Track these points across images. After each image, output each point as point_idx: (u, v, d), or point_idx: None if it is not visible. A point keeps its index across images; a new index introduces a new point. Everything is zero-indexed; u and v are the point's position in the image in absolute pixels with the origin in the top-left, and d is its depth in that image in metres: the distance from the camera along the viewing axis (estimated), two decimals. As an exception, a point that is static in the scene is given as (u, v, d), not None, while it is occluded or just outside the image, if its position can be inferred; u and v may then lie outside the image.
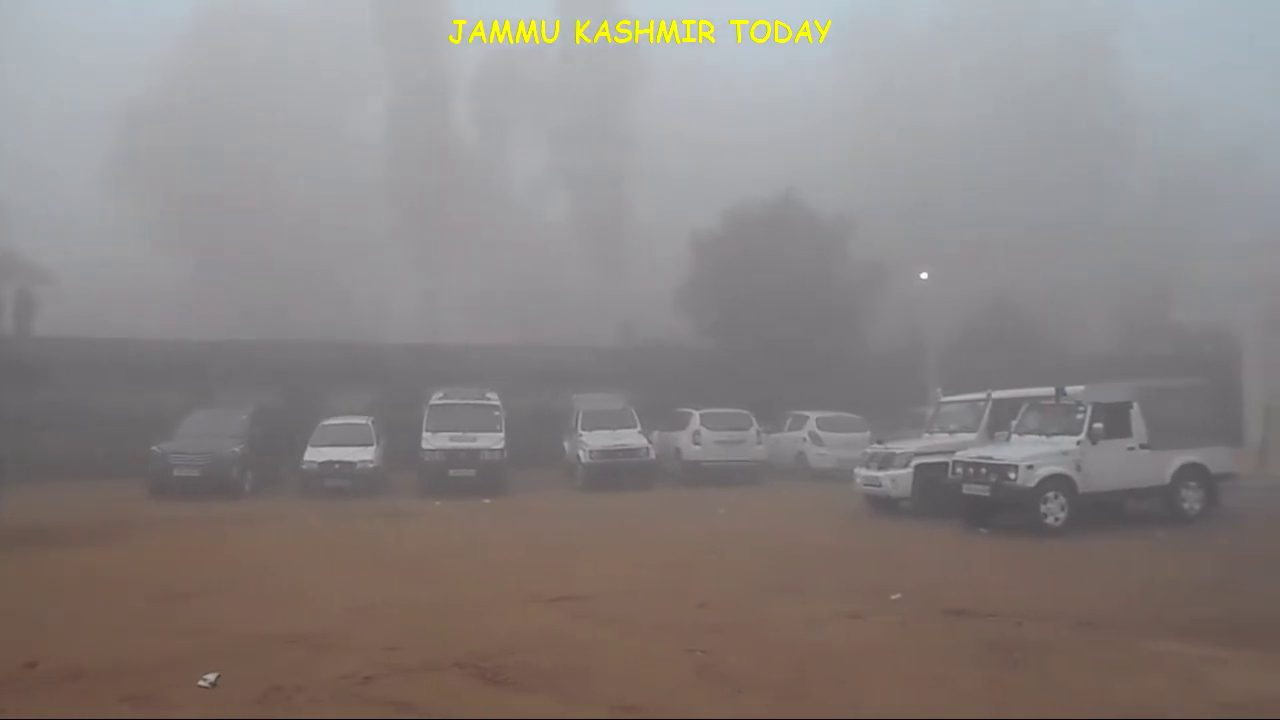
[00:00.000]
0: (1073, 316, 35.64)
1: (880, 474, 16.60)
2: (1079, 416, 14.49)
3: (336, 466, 20.37)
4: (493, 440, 20.97)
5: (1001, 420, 16.24)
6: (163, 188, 32.72)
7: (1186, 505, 14.85)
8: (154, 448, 20.16)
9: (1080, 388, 15.29)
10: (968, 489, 14.62)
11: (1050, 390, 15.32)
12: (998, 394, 16.86)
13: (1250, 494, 17.17)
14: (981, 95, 38.63)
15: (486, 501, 19.35)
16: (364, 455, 20.74)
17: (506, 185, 39.64)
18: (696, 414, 23.37)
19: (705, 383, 26.74)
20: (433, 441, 20.91)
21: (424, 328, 33.54)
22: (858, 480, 17.29)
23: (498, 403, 22.10)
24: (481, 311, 34.98)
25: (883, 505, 16.79)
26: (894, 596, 9.61)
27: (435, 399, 22.09)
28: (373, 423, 22.21)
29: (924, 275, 29.96)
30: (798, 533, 14.98)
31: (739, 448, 23.02)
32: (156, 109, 32.88)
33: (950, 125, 37.26)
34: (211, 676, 6.87)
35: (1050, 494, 13.90)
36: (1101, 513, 14.59)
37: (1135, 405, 14.69)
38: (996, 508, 14.45)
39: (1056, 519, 13.90)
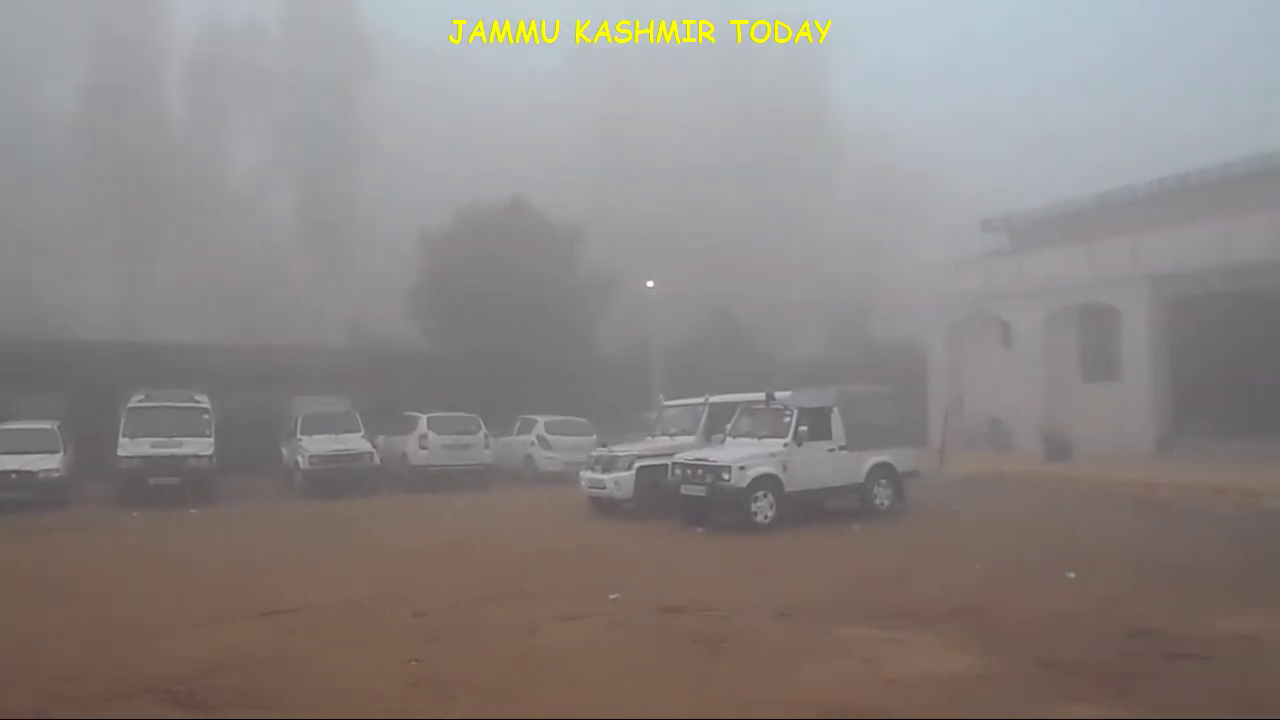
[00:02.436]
0: (786, 326, 38.17)
1: (604, 476, 16.96)
2: (786, 420, 15.50)
3: (13, 477, 18.26)
4: (200, 446, 19.59)
5: (718, 423, 17.08)
6: None
7: (878, 501, 16.23)
8: None
9: (788, 393, 16.39)
10: (686, 489, 15.24)
11: (761, 395, 16.32)
12: (715, 398, 17.72)
13: (931, 489, 19.08)
14: (710, 115, 40.65)
15: (192, 512, 18.04)
16: (47, 464, 18.72)
17: (224, 174, 37.23)
18: (424, 418, 22.95)
19: (434, 386, 26.35)
20: (130, 448, 19.25)
21: (126, 324, 30.88)
22: (583, 483, 17.59)
23: (207, 405, 20.64)
24: (193, 308, 32.64)
25: (607, 507, 17.16)
26: (613, 597, 9.84)
27: (134, 401, 20.34)
28: (59, 428, 20.12)
29: (650, 283, 30.96)
30: (522, 537, 15.01)
31: (467, 452, 22.84)
32: None
33: (678, 141, 38.90)
34: None
35: (760, 493, 14.77)
36: (805, 509, 15.67)
37: (835, 410, 15.91)
38: (712, 507, 15.13)
39: (765, 516, 14.77)
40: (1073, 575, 10.55)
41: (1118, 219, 26.97)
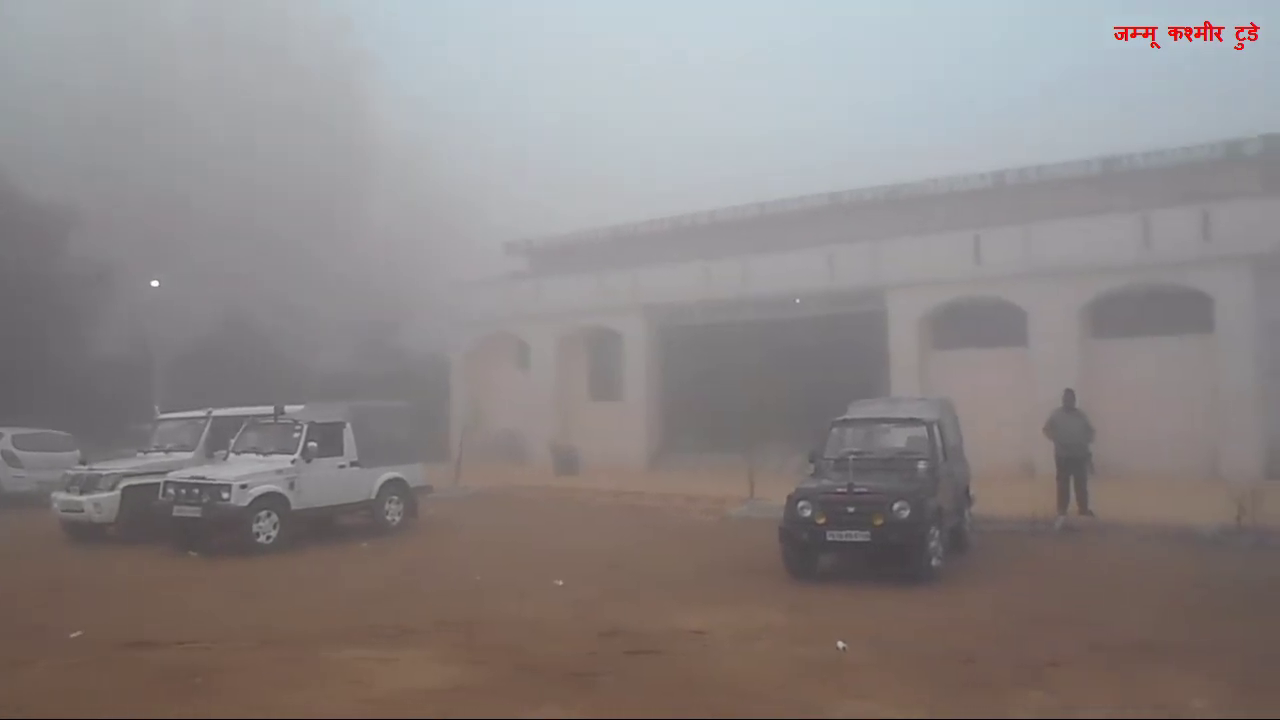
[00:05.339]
0: (311, 335, 36.71)
1: (82, 498, 15.18)
2: (295, 436, 14.96)
3: None
4: None
5: (224, 438, 16.03)
6: None
7: (389, 517, 16.20)
8: None
9: (300, 408, 15.84)
10: (179, 511, 14.09)
11: (270, 409, 15.60)
12: (218, 412, 16.64)
13: (445, 503, 19.46)
14: (231, 106, 37.98)
15: None
16: None
17: None
18: None
19: None
20: None
21: None
22: (55, 505, 15.61)
23: None
24: None
25: (84, 532, 15.40)
26: (74, 635, 8.81)
27: None
28: None
29: (155, 283, 28.28)
30: (-30, 570, 12.92)
31: (-96, 470, 19.18)
32: None
33: (195, 129, 35.92)
34: None
35: (263, 512, 14.09)
36: (314, 528, 15.26)
37: (348, 425, 15.65)
38: (210, 529, 14.15)
39: (269, 537, 14.12)
40: (561, 583, 11.33)
41: (626, 251, 29.61)
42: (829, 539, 11.06)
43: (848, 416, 13.16)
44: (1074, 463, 14.93)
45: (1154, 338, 20.76)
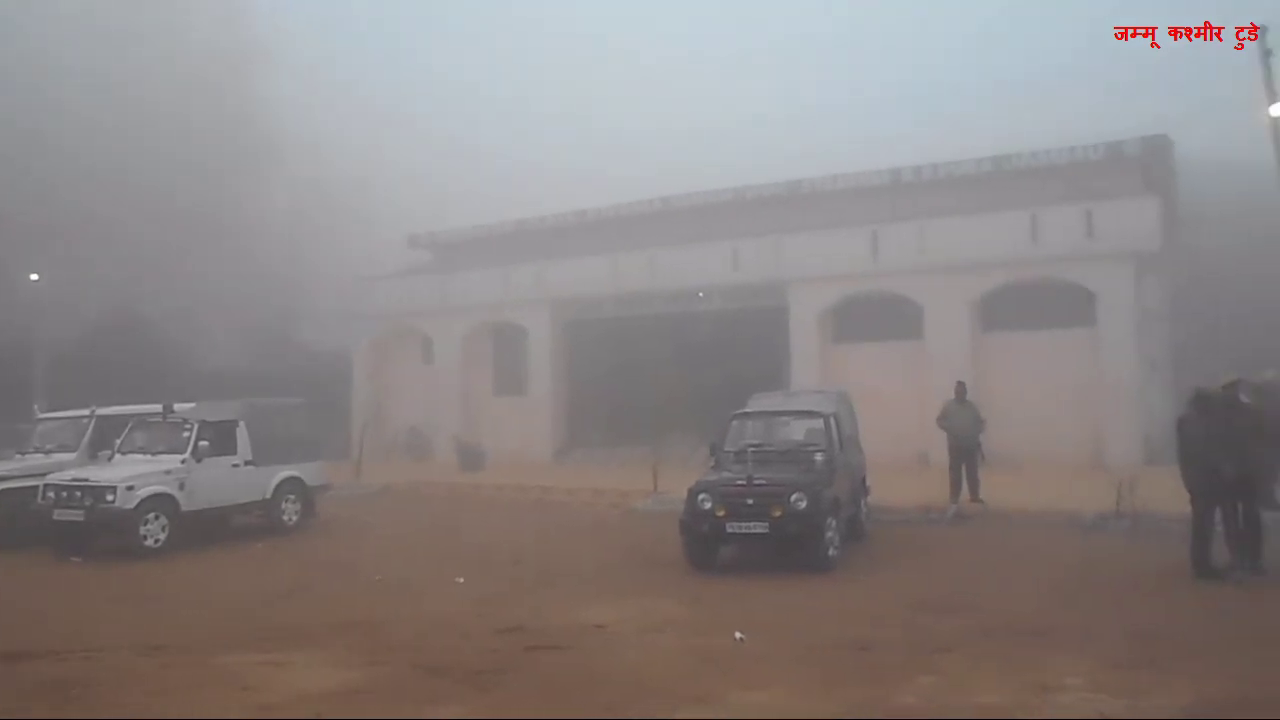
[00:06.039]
0: (205, 331, 35.49)
1: (-46, 503, 14.41)
2: (186, 435, 14.49)
3: None
4: None
5: (109, 438, 15.42)
6: None
7: (286, 517, 15.83)
8: None
9: (190, 406, 15.35)
10: (60, 514, 13.54)
11: (158, 408, 15.09)
12: (103, 411, 16.01)
13: (346, 501, 19.08)
14: (118, 95, 36.50)
15: None
16: None
17: None
18: None
19: None
20: None
21: None
22: (-75, 512, 14.76)
23: None
24: None
25: (-46, 541, 14.60)
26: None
27: None
28: None
29: (35, 277, 27.02)
30: None
31: None
32: None
33: (79, 117, 34.45)
34: None
35: (151, 515, 13.63)
36: (206, 529, 14.77)
37: (241, 423, 15.21)
38: (94, 533, 13.63)
39: (157, 540, 13.67)
40: (462, 580, 11.22)
41: (532, 244, 29.39)
42: (729, 531, 11.19)
43: (747, 409, 13.33)
44: (966, 453, 15.38)
45: (1041, 331, 21.52)
